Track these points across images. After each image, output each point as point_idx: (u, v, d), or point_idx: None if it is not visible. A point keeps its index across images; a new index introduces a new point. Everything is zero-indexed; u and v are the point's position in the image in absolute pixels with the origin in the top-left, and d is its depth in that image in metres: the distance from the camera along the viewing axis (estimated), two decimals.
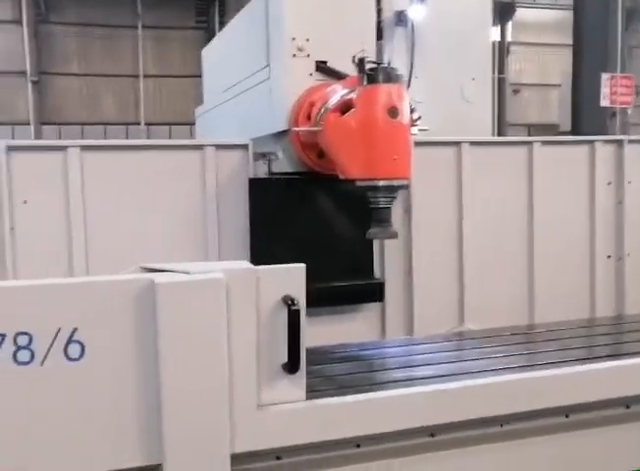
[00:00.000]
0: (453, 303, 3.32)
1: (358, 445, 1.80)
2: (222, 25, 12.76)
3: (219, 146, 2.87)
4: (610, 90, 7.25)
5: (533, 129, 17.07)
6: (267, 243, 2.86)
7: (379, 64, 2.39)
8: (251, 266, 1.65)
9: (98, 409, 1.53)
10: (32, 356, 1.46)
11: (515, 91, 17.86)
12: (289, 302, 1.63)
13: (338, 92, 2.56)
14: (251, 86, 3.16)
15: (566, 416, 2.11)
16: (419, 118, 2.68)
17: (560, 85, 11.70)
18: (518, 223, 3.43)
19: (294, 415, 1.71)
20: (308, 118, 2.70)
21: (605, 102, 7.23)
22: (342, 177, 2.60)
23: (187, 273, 1.58)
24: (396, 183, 2.40)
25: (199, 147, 2.87)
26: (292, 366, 1.65)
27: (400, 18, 3.27)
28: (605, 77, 7.20)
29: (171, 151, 2.91)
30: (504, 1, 16.05)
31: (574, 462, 2.15)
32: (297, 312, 1.62)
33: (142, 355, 1.55)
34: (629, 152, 3.59)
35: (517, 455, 2.05)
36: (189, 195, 2.89)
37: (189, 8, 14.78)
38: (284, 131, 2.86)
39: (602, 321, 3.41)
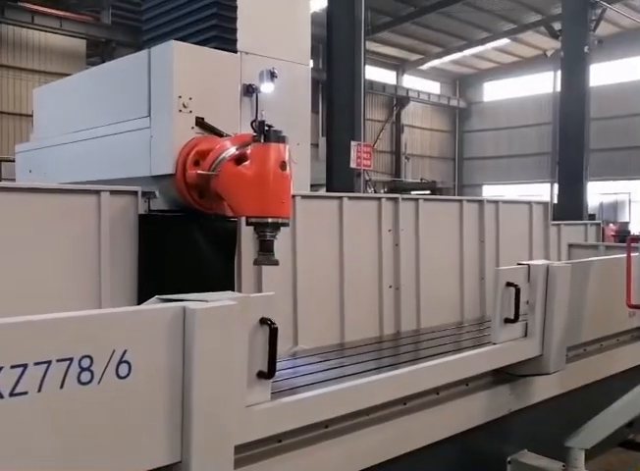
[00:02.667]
0: (288, 326, 3.99)
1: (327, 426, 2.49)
2: None
3: (112, 192, 3.13)
4: (356, 155, 8.80)
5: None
6: (154, 275, 3.21)
7: (271, 127, 3.00)
8: (242, 294, 2.14)
9: (138, 418, 1.80)
10: (92, 376, 1.67)
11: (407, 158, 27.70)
12: (268, 322, 2.16)
13: (229, 146, 3.12)
14: (124, 131, 3.49)
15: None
16: None
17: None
18: (333, 259, 4.28)
19: (272, 411, 2.26)
20: (196, 163, 3.19)
21: (353, 165, 8.74)
22: (230, 214, 3.15)
23: (206, 301, 1.96)
24: (280, 220, 3.00)
25: (95, 192, 3.08)
26: (269, 373, 2.18)
27: (249, 90, 3.94)
28: (353, 144, 8.72)
29: (63, 195, 3.03)
30: (401, 95, 27.23)
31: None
32: (276, 330, 2.17)
33: (173, 369, 1.88)
34: (402, 207, 4.73)
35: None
36: (83, 236, 3.05)
37: None
38: (163, 175, 3.28)
39: (388, 337, 4.46)
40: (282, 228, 3.05)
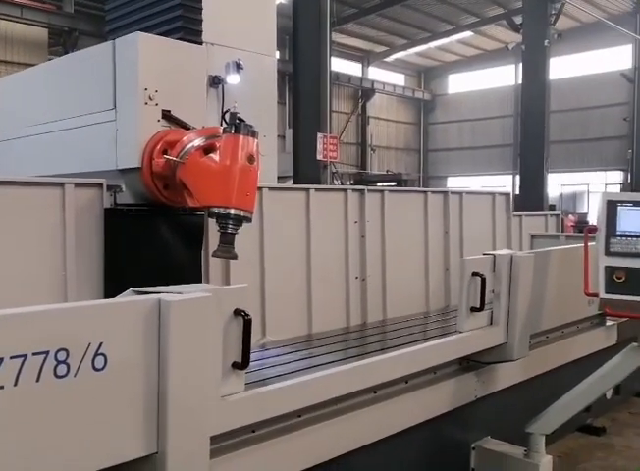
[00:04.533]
0: (256, 318, 4.00)
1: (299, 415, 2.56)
2: None
3: (77, 184, 3.09)
4: (322, 147, 8.82)
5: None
6: (120, 269, 3.19)
7: (242, 120, 2.99)
8: (216, 286, 2.15)
9: (115, 410, 1.82)
10: (68, 369, 1.68)
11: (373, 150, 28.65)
12: (242, 314, 2.18)
13: (197, 137, 3.10)
14: (89, 124, 3.44)
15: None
16: None
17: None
18: (300, 251, 4.30)
19: (247, 401, 2.29)
20: (164, 153, 3.16)
21: (319, 156, 8.76)
22: (193, 205, 3.13)
23: (180, 293, 1.97)
24: (243, 213, 2.95)
25: (60, 185, 3.03)
26: (243, 363, 2.20)
27: (215, 81, 3.92)
28: (319, 136, 8.73)
29: (28, 188, 2.98)
30: (366, 87, 27.86)
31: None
32: (250, 321, 2.19)
33: (149, 361, 1.89)
34: (368, 198, 4.78)
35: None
36: (47, 230, 3.00)
37: None
38: (130, 168, 3.25)
39: (355, 328, 4.52)
40: (245, 222, 3.02)
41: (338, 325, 4.49)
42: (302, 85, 9.21)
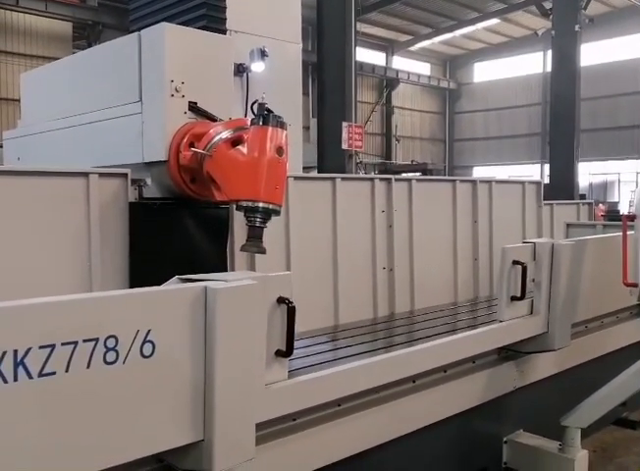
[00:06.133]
0: None
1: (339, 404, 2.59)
2: None
3: (102, 174, 3.06)
4: (347, 136, 8.73)
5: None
6: (145, 261, 3.15)
7: (270, 111, 2.93)
8: (260, 274, 2.10)
9: (162, 397, 1.82)
10: (117, 356, 1.70)
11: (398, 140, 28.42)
12: (286, 301, 2.14)
13: (225, 129, 3.04)
14: (115, 117, 3.41)
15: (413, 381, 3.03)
16: None
17: None
18: (326, 241, 4.24)
19: (291, 390, 2.28)
20: (190, 145, 3.11)
21: (344, 146, 8.67)
22: (220, 198, 3.07)
23: (226, 281, 1.95)
24: (272, 207, 2.88)
25: (84, 174, 3.01)
26: (287, 351, 2.17)
27: (239, 69, 3.87)
28: (344, 125, 8.64)
29: (51, 178, 2.95)
30: (391, 77, 28.02)
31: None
32: (294, 308, 2.15)
33: (196, 348, 1.88)
34: (395, 188, 4.69)
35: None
36: (72, 221, 2.97)
37: None
38: (156, 161, 3.21)
39: (382, 319, 4.45)
40: (273, 216, 2.96)
41: (365, 316, 4.42)
42: (327, 74, 9.10)
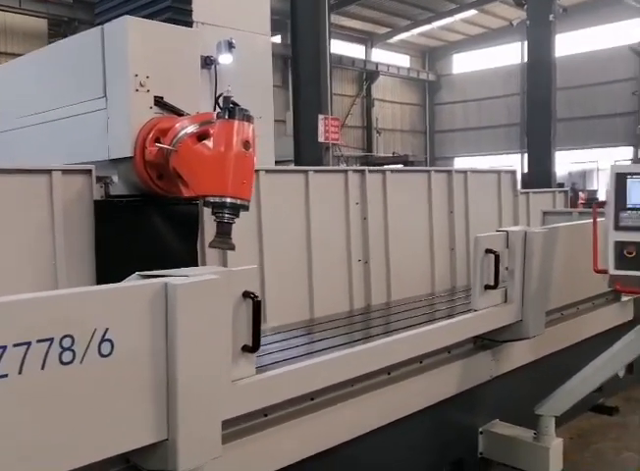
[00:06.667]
0: None
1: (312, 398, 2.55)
2: None
3: (65, 171, 2.99)
4: (324, 129, 8.68)
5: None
6: (112, 259, 3.09)
7: (236, 104, 2.87)
8: (224, 269, 2.06)
9: (123, 396, 1.78)
10: (74, 356, 1.65)
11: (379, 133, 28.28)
12: (251, 295, 2.10)
13: (190, 123, 2.99)
14: (80, 113, 3.34)
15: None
16: None
17: None
18: (300, 234, 4.20)
19: (259, 385, 2.24)
20: (156, 141, 3.05)
21: (321, 138, 8.63)
22: (188, 194, 3.01)
23: (187, 276, 1.90)
24: (240, 202, 2.82)
25: (47, 172, 2.94)
26: (254, 346, 2.13)
27: (207, 62, 3.80)
28: (320, 117, 8.60)
29: (14, 175, 2.88)
30: (370, 69, 27.74)
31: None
32: (259, 303, 2.12)
33: (157, 346, 1.84)
34: (369, 179, 4.66)
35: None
36: (35, 220, 2.90)
37: None
38: (122, 158, 3.14)
39: (358, 311, 4.43)
40: (242, 211, 2.91)
41: (340, 309, 4.39)
42: (302, 67, 9.04)
